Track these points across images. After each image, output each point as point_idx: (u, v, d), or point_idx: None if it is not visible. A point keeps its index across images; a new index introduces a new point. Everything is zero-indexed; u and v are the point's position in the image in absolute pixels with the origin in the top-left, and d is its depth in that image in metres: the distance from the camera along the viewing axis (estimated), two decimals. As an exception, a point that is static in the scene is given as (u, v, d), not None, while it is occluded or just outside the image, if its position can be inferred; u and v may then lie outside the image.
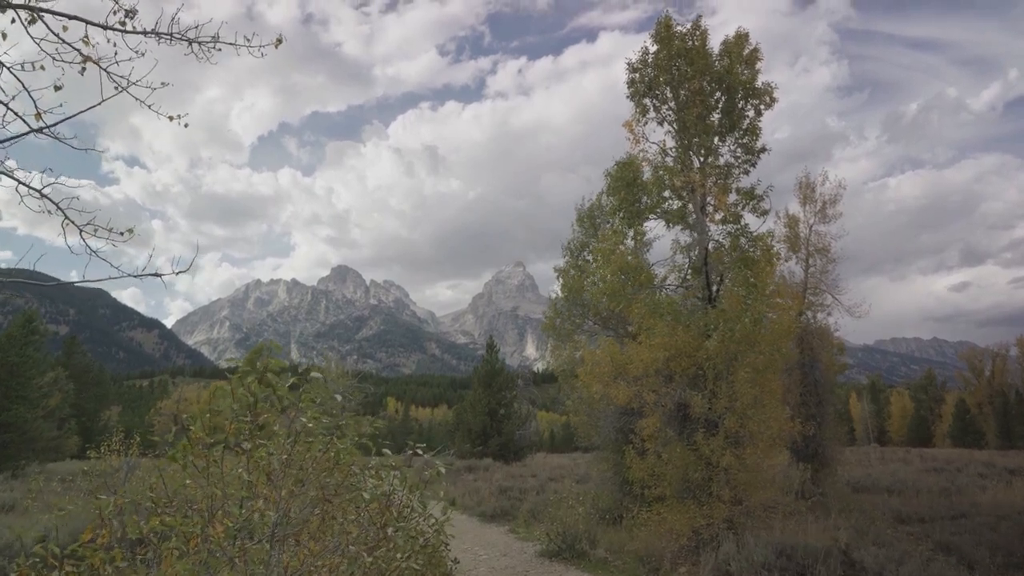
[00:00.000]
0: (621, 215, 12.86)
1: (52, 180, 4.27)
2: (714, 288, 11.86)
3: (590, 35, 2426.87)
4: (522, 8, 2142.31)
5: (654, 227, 14.49)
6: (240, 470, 3.01)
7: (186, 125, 5.30)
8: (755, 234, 11.80)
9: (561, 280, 16.72)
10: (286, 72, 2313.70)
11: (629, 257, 11.67)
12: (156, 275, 4.54)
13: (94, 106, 4.66)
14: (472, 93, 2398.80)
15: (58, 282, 5.07)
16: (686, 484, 9.87)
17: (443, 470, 3.29)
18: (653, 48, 12.40)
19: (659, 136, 12.54)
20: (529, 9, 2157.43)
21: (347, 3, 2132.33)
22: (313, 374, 3.14)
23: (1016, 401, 63.20)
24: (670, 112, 12.29)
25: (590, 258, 15.87)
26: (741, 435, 9.54)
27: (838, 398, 32.88)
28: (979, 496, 17.52)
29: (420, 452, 3.32)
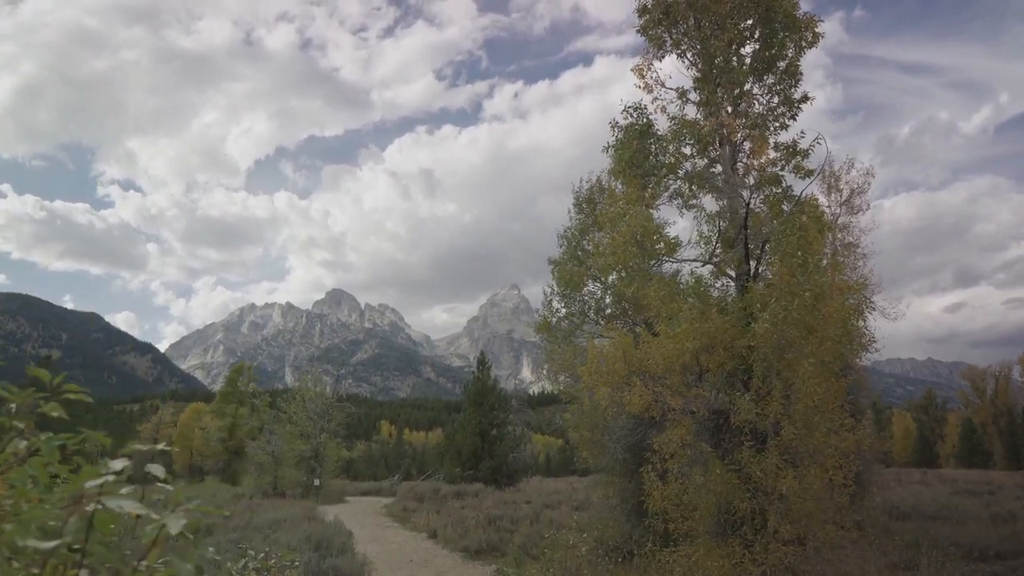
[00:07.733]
0: (631, 175, 10.45)
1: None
2: (754, 263, 9.46)
3: (586, 59, 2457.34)
4: (519, 33, 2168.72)
5: (664, 214, 12.30)
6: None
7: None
8: (801, 198, 9.53)
9: (557, 273, 14.34)
10: (284, 96, 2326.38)
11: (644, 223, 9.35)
12: None
13: None
14: (469, 117, 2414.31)
15: None
16: (727, 517, 7.47)
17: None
18: (671, -34, 10.12)
19: (677, 82, 10.36)
20: (526, 34, 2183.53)
21: (345, 28, 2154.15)
22: None
23: (1023, 420, 61.56)
24: (693, 44, 10.05)
25: (590, 248, 13.59)
26: (800, 451, 7.14)
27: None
28: (1043, 524, 15.17)
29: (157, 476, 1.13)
